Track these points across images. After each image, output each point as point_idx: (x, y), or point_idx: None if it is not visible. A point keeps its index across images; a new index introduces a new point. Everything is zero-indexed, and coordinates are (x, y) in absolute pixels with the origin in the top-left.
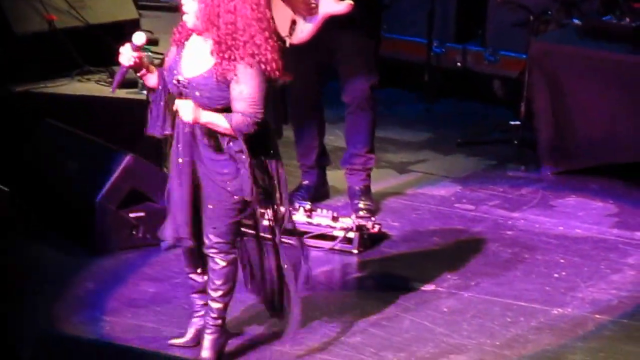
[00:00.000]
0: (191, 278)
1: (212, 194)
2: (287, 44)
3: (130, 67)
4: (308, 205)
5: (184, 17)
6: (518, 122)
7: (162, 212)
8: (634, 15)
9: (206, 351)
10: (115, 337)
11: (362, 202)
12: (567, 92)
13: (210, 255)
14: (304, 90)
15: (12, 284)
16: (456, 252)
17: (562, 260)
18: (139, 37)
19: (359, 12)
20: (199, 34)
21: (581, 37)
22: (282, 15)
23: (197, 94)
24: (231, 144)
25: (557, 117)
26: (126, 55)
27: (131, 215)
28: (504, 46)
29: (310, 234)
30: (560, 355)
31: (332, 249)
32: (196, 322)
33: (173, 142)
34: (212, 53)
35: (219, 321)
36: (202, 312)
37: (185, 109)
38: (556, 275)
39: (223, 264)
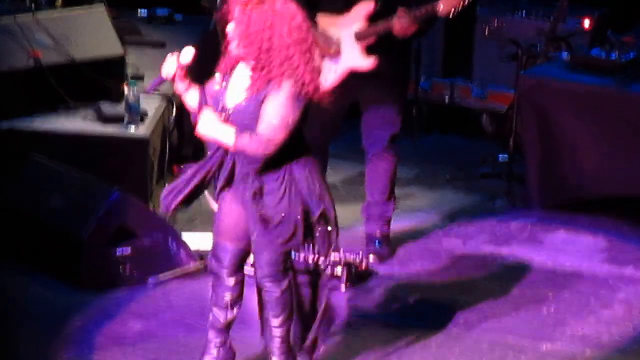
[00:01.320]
0: (215, 313)
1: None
2: None
3: (169, 79)
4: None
5: (230, 45)
6: (506, 157)
7: (149, 248)
8: (623, 49)
9: None
10: None
11: (377, 248)
12: (556, 126)
13: (265, 284)
14: (320, 136)
15: None
16: (444, 288)
17: (551, 295)
18: (187, 54)
19: (386, 64)
20: (243, 60)
21: (570, 71)
22: None
23: (245, 121)
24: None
25: (546, 151)
26: (170, 65)
27: (118, 252)
28: (491, 81)
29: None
30: None
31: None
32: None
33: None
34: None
35: (285, 345)
36: (215, 351)
37: (204, 120)
38: (545, 310)
39: (278, 292)
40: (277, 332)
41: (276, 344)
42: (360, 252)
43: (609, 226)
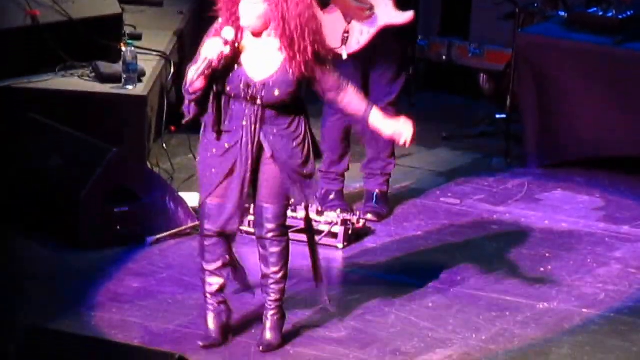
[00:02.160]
0: (213, 274)
1: (275, 174)
2: (345, 56)
3: (214, 62)
4: (292, 199)
5: (244, 21)
6: (504, 116)
7: (146, 207)
8: (620, 8)
9: (271, 333)
10: (100, 332)
11: (375, 206)
12: (553, 84)
13: (270, 239)
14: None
15: None
16: (441, 247)
17: (547, 255)
18: (229, 33)
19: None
20: (257, 35)
21: (567, 30)
22: (333, 28)
23: (276, 93)
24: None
25: (543, 109)
26: (217, 49)
27: (116, 210)
28: (489, 39)
29: (295, 228)
30: (546, 349)
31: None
32: (217, 319)
33: (208, 130)
34: (282, 49)
35: (281, 302)
36: (219, 309)
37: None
38: (542, 269)
39: (281, 247)
40: (276, 288)
41: (273, 298)
42: (358, 211)
43: (606, 184)
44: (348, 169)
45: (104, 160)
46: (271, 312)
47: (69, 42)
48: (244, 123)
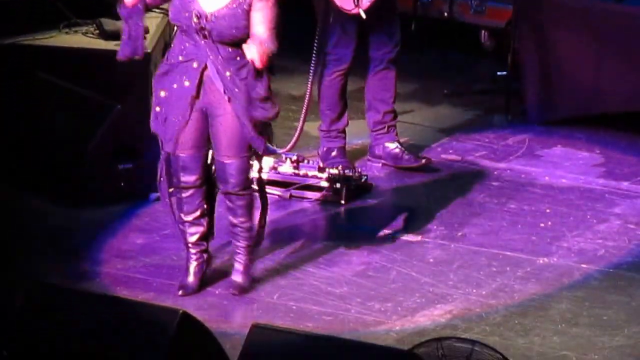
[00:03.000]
0: (192, 224)
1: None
2: (364, 16)
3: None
4: (294, 156)
5: None
6: (505, 73)
7: (150, 164)
8: None
9: (242, 276)
10: (104, 288)
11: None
12: (554, 42)
13: (235, 193)
14: (349, 54)
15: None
16: (442, 203)
17: (548, 210)
18: None
19: None
20: None
21: None
22: None
23: (224, 24)
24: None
25: (544, 67)
26: None
27: (120, 167)
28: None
29: (297, 185)
30: (545, 304)
31: (318, 200)
32: (198, 268)
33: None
34: None
35: (250, 247)
36: (202, 258)
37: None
38: (542, 225)
39: (247, 199)
40: (245, 235)
41: (243, 245)
42: (359, 167)
43: (606, 141)
44: (347, 124)
45: (108, 116)
46: (241, 257)
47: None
48: (194, 64)
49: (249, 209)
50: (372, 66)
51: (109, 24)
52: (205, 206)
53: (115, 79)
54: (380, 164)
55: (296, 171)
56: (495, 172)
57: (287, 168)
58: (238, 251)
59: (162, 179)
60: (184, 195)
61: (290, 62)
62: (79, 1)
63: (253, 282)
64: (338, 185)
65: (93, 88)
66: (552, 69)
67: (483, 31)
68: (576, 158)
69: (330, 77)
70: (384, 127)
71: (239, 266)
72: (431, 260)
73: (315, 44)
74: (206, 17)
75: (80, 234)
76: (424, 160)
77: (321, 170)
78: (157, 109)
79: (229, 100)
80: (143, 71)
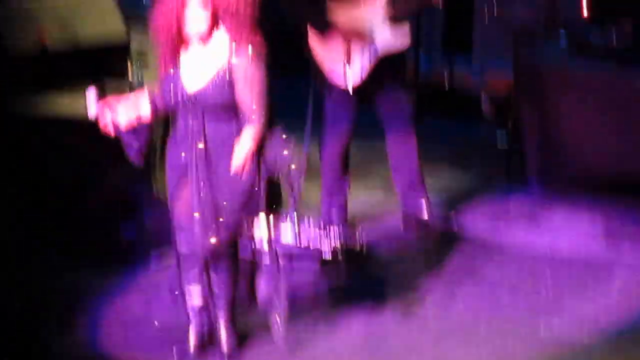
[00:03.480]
0: (193, 286)
1: (226, 187)
2: (351, 91)
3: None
4: (295, 216)
5: (192, 29)
6: (505, 137)
7: (153, 225)
8: (620, 33)
9: (227, 341)
10: (104, 351)
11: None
12: (554, 109)
13: (220, 258)
14: (345, 124)
15: None
16: (443, 268)
17: (548, 279)
18: (90, 95)
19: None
20: (203, 40)
21: (568, 54)
22: (334, 62)
23: (211, 101)
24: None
25: (545, 133)
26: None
27: (122, 228)
28: (491, 64)
29: (297, 251)
30: None
31: (318, 266)
32: (198, 331)
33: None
34: (227, 49)
35: (232, 308)
36: (202, 320)
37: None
38: (543, 294)
39: (230, 264)
40: (226, 297)
41: (225, 312)
42: (357, 233)
43: (607, 206)
44: (349, 187)
45: (113, 179)
46: (222, 322)
47: (76, 63)
48: (191, 138)
49: (229, 276)
50: (389, 137)
51: (111, 86)
52: (204, 274)
53: (117, 141)
54: (401, 224)
55: (296, 237)
56: (496, 239)
57: (286, 234)
58: (217, 316)
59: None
60: (185, 263)
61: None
62: (83, 63)
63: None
64: (338, 252)
65: (95, 151)
66: (553, 136)
67: (483, 96)
68: (577, 225)
69: (329, 145)
70: (413, 191)
71: (223, 332)
72: (431, 326)
73: (311, 108)
74: (194, 97)
75: (81, 299)
76: (456, 226)
77: (321, 236)
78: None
79: (221, 173)
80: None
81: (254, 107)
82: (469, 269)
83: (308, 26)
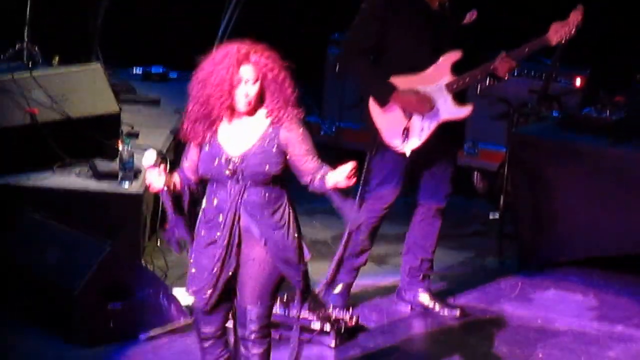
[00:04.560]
0: None
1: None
2: (408, 154)
3: (165, 188)
4: (285, 296)
5: (240, 104)
6: (497, 215)
7: (140, 304)
8: (614, 108)
9: None
10: None
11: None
12: (547, 184)
13: (253, 340)
14: (391, 196)
15: None
16: (434, 346)
17: (541, 355)
18: (150, 157)
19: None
20: (249, 114)
21: (561, 130)
22: (393, 126)
23: (256, 162)
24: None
25: (537, 209)
26: (156, 179)
27: (109, 306)
28: (483, 139)
29: (287, 326)
30: None
31: (309, 341)
32: None
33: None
34: (270, 119)
35: None
36: None
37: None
38: None
39: (264, 347)
40: None
41: None
42: (350, 308)
43: (600, 283)
44: (365, 264)
45: (99, 256)
46: None
47: (66, 140)
48: (230, 209)
49: (264, 357)
50: (419, 212)
51: (102, 165)
52: (226, 355)
53: (107, 219)
54: (408, 308)
55: (285, 309)
56: (488, 315)
57: (277, 308)
58: None
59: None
60: (205, 345)
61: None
62: (74, 142)
63: None
64: (328, 327)
65: (85, 228)
66: (545, 212)
67: (475, 173)
68: (570, 301)
69: (370, 216)
70: (419, 275)
71: None
72: None
73: (363, 177)
74: (238, 160)
75: None
76: (458, 312)
77: (312, 310)
78: (193, 270)
79: (265, 243)
80: (134, 212)
81: (316, 159)
82: (460, 344)
83: (370, 94)
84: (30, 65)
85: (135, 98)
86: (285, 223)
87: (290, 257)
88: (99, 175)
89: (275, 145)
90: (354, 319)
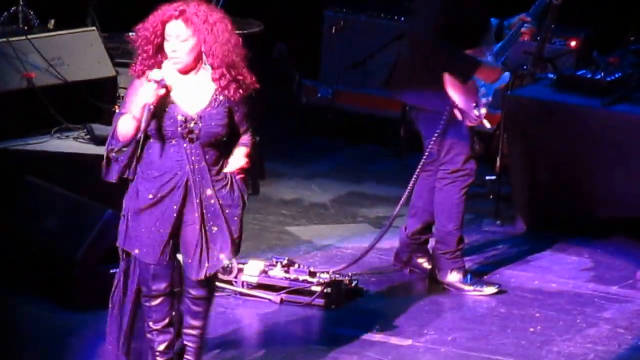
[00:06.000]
0: (161, 333)
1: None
2: (489, 126)
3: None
4: (285, 260)
5: (175, 61)
6: (493, 177)
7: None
8: (608, 70)
9: None
10: None
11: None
12: (542, 146)
13: (204, 297)
14: (474, 168)
15: None
16: (432, 307)
17: (537, 315)
18: (157, 74)
19: None
20: (185, 72)
21: (556, 92)
22: (469, 99)
23: (213, 123)
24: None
25: (532, 171)
26: (153, 93)
27: (110, 271)
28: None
29: (288, 289)
30: None
31: (309, 304)
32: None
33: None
34: (215, 80)
35: (202, 346)
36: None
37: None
38: (532, 329)
39: (211, 303)
40: (202, 338)
41: (197, 346)
42: (350, 273)
43: (595, 245)
44: None
45: (98, 221)
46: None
47: (64, 104)
48: (181, 167)
49: (209, 312)
50: (441, 177)
51: (99, 129)
52: (173, 314)
53: (105, 183)
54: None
55: (287, 275)
56: (485, 277)
57: (277, 272)
58: (189, 356)
59: (116, 290)
60: (153, 303)
61: (282, 166)
62: (71, 106)
63: None
64: (329, 289)
65: (84, 192)
66: (540, 173)
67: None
68: (565, 262)
69: (458, 195)
70: (420, 239)
71: None
72: None
73: (425, 158)
74: (193, 119)
75: (72, 338)
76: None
77: (312, 274)
78: (133, 228)
79: (212, 200)
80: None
81: (247, 127)
82: (458, 306)
83: (449, 72)
84: (26, 29)
85: (131, 62)
86: (227, 181)
87: (235, 212)
88: (97, 140)
89: (225, 109)
90: (354, 282)
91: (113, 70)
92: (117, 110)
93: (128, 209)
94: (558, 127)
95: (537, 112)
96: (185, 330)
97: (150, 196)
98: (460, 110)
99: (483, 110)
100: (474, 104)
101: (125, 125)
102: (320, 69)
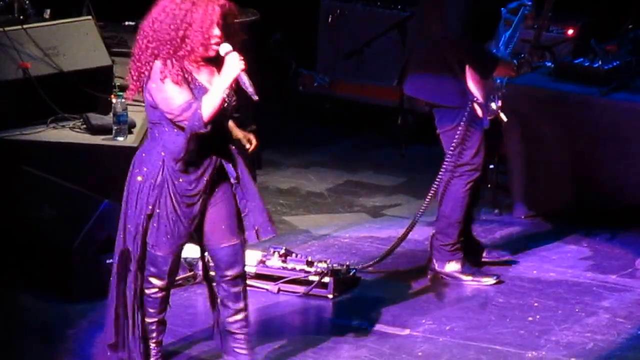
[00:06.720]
0: (160, 324)
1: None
2: (505, 118)
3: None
4: (282, 250)
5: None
6: (491, 166)
7: None
8: (606, 58)
9: None
10: None
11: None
12: (540, 134)
13: (242, 275)
14: (481, 164)
15: None
16: (430, 296)
17: (536, 304)
18: (227, 45)
19: None
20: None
21: (554, 80)
22: (486, 93)
23: (233, 98)
24: None
25: (530, 160)
26: (237, 60)
27: (107, 261)
28: None
29: (285, 279)
30: None
31: (306, 294)
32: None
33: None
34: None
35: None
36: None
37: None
38: (530, 318)
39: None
40: (248, 321)
41: (246, 331)
42: (348, 261)
43: (594, 234)
44: None
45: (95, 211)
46: (246, 348)
47: (60, 94)
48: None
49: (247, 291)
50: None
51: (95, 118)
52: (169, 307)
53: (102, 173)
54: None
55: (284, 265)
56: (483, 266)
57: (275, 262)
58: (242, 345)
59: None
60: (153, 296)
61: (278, 155)
62: (67, 96)
63: None
64: (326, 279)
65: (80, 182)
66: (539, 162)
67: None
68: (564, 251)
69: (464, 189)
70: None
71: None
72: (420, 354)
73: (451, 151)
74: (230, 102)
75: (70, 329)
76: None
77: (309, 264)
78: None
79: (238, 180)
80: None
81: None
82: (457, 295)
83: (472, 68)
84: (22, 19)
85: (127, 51)
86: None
87: (254, 190)
88: (93, 129)
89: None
90: (352, 271)
91: (109, 60)
92: (113, 100)
93: (163, 200)
94: (556, 116)
95: (535, 101)
96: (230, 320)
97: (182, 189)
98: (479, 105)
99: (500, 103)
100: (492, 97)
101: (212, 102)
102: (317, 57)
